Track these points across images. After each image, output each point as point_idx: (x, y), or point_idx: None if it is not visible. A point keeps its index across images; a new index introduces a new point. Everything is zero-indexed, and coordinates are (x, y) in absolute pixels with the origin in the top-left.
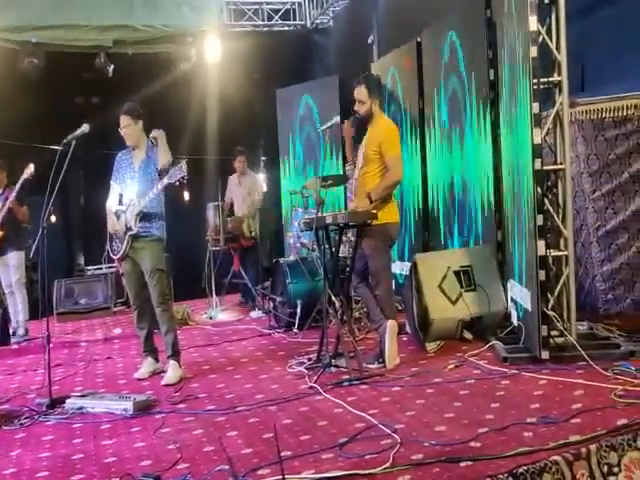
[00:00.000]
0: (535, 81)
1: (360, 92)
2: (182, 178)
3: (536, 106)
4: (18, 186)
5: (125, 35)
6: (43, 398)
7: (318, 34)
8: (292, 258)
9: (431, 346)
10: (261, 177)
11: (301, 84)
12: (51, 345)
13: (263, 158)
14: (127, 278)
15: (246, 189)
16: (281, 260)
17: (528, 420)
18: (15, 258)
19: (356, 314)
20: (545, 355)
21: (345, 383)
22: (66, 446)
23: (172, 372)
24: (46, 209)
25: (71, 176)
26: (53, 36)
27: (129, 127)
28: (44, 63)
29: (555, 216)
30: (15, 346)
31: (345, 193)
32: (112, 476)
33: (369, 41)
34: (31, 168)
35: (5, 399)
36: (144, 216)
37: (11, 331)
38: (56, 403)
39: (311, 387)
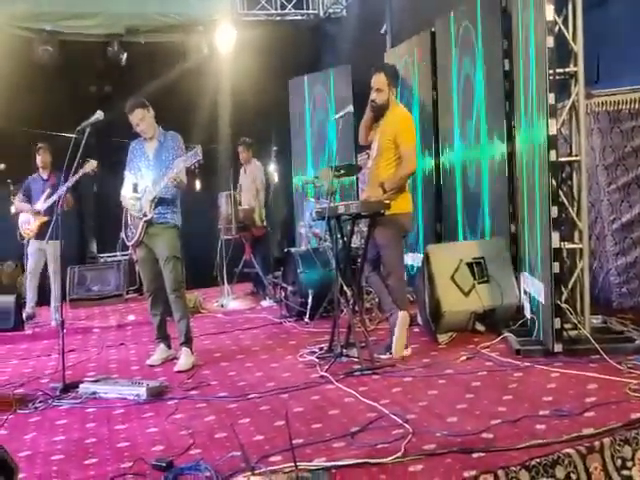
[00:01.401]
0: (551, 71)
1: (379, 80)
2: (197, 162)
3: (552, 97)
4: (75, 179)
5: (137, 24)
6: (57, 383)
7: (331, 23)
8: (303, 248)
9: (443, 338)
10: (271, 167)
11: (314, 73)
12: (65, 331)
13: (274, 148)
14: (141, 265)
15: (249, 178)
16: (292, 250)
17: (541, 413)
18: (54, 247)
19: (367, 304)
20: (558, 348)
21: (356, 373)
22: (80, 430)
23: (185, 359)
24: (64, 196)
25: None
26: (67, 24)
27: (144, 119)
28: (58, 51)
29: (570, 208)
30: (29, 331)
31: (357, 183)
32: (125, 460)
33: (382, 31)
34: (93, 164)
35: (19, 383)
36: (159, 202)
37: (24, 315)
38: (70, 388)
39: (322, 376)
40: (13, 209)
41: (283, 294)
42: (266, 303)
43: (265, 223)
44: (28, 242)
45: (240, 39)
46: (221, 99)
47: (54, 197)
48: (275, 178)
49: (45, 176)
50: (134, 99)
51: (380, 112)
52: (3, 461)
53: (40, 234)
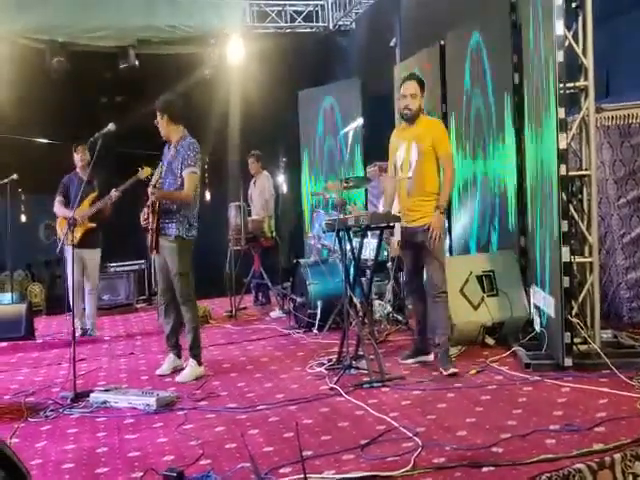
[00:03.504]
0: (561, 86)
1: (413, 87)
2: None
3: (562, 111)
4: (126, 185)
5: (149, 35)
6: (68, 392)
7: (341, 36)
8: (312, 259)
9: (452, 351)
10: (280, 179)
11: (323, 86)
12: (76, 340)
13: (283, 159)
14: (157, 272)
15: (258, 189)
16: (301, 261)
17: (551, 427)
18: (96, 257)
19: (376, 316)
20: (568, 362)
21: (366, 385)
22: (90, 439)
23: (189, 370)
24: (77, 205)
25: (100, 176)
26: (79, 36)
27: (159, 123)
28: (70, 63)
29: (580, 222)
30: (40, 340)
31: (366, 195)
32: (136, 470)
33: (392, 44)
34: (148, 171)
35: (30, 392)
36: (163, 212)
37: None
38: (80, 397)
39: (332, 388)
40: (55, 208)
41: (292, 305)
42: (275, 314)
43: (274, 234)
44: (63, 249)
45: (250, 52)
46: (231, 111)
47: (99, 204)
48: (284, 189)
49: (85, 177)
50: (157, 100)
51: (412, 119)
52: (15, 469)
53: (82, 242)
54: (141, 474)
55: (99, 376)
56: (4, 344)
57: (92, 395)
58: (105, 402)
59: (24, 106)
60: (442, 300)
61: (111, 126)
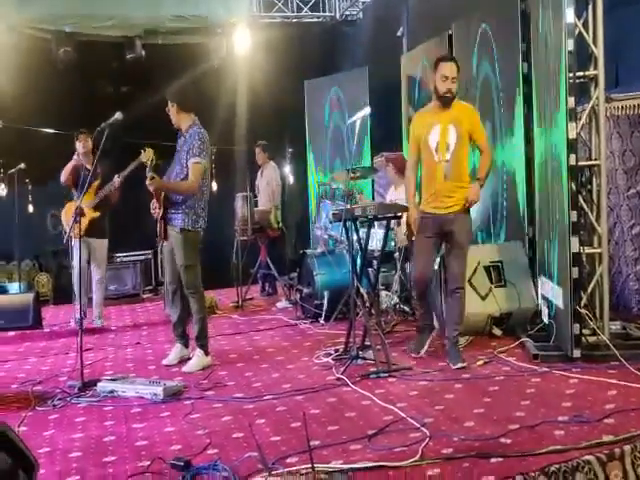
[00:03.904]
0: (571, 75)
1: (453, 69)
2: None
3: (571, 100)
4: (129, 170)
5: (155, 25)
6: (75, 381)
7: (347, 26)
8: (319, 250)
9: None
10: (286, 169)
11: (329, 76)
12: (83, 329)
13: (289, 149)
14: (165, 260)
15: (265, 180)
16: (308, 251)
17: (560, 419)
18: (104, 246)
19: (383, 307)
20: (577, 354)
21: (373, 375)
22: (98, 428)
23: (195, 360)
24: (83, 194)
25: (105, 164)
26: (85, 26)
27: (170, 111)
28: (77, 53)
29: (589, 213)
30: (47, 329)
31: (373, 185)
32: (143, 459)
33: (399, 33)
34: (150, 153)
35: (38, 381)
36: (169, 203)
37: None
38: (88, 386)
39: (338, 378)
40: (62, 177)
41: (298, 296)
42: (281, 305)
43: (281, 225)
44: (71, 240)
45: (257, 41)
46: (238, 101)
47: (103, 191)
48: (290, 180)
49: (89, 166)
50: (167, 90)
51: (450, 102)
52: (23, 456)
53: (88, 231)
54: (148, 463)
55: (106, 365)
56: (12, 333)
57: (99, 384)
58: (112, 391)
59: (31, 96)
60: (462, 295)
61: (118, 115)
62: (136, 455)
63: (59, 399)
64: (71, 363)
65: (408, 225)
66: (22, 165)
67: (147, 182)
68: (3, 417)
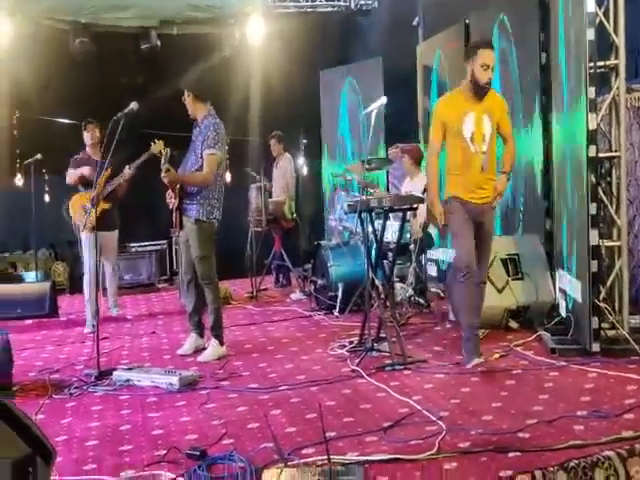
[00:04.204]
0: (591, 65)
1: (493, 57)
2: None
3: (592, 91)
4: (139, 162)
5: (171, 15)
6: (91, 369)
7: (362, 15)
8: (334, 241)
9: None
10: (300, 160)
11: (344, 66)
12: (99, 318)
13: (303, 140)
14: (182, 250)
15: (279, 171)
16: (322, 243)
17: (578, 413)
18: (114, 238)
19: (397, 299)
20: (595, 348)
21: (388, 368)
22: (114, 417)
23: (210, 350)
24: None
25: (116, 155)
26: (102, 16)
27: (186, 101)
28: (93, 43)
29: (609, 205)
30: (63, 318)
31: (387, 177)
32: (159, 448)
33: (414, 23)
34: (160, 145)
35: (55, 369)
36: (184, 194)
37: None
38: (104, 375)
39: (353, 370)
40: (68, 177)
41: (313, 287)
42: (295, 296)
43: (295, 216)
44: (79, 231)
45: (271, 31)
46: (252, 91)
47: (113, 182)
48: (304, 171)
49: (97, 157)
50: (183, 79)
51: (486, 93)
52: (41, 444)
53: (99, 224)
54: (164, 452)
55: (122, 354)
56: (29, 322)
57: (115, 373)
58: (128, 380)
59: (48, 87)
60: (484, 289)
61: (134, 105)
62: (152, 444)
63: (76, 387)
64: (87, 352)
65: (431, 215)
66: (39, 156)
67: (162, 174)
68: (21, 404)
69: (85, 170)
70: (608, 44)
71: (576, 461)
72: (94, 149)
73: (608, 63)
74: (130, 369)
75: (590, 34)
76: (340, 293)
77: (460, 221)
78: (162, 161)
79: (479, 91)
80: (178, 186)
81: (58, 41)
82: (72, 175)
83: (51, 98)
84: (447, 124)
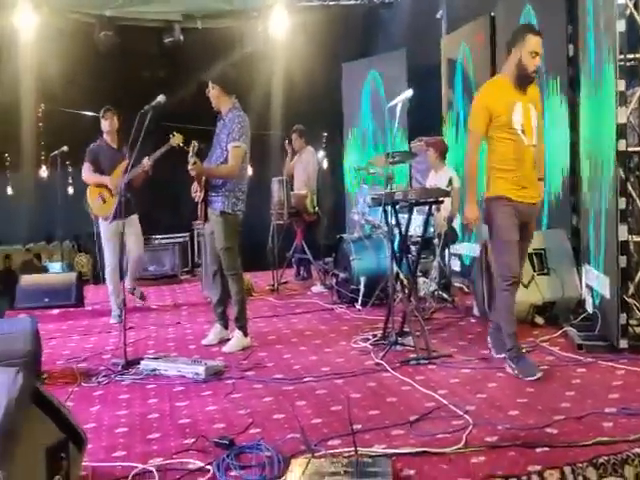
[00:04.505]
0: (621, 57)
1: (541, 44)
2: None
3: (622, 83)
4: (159, 153)
5: (194, 9)
6: (118, 359)
7: (385, 8)
8: (356, 234)
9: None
10: (320, 154)
11: (367, 58)
12: (125, 308)
13: (325, 134)
14: (206, 241)
15: (301, 164)
16: (345, 236)
17: (607, 410)
18: (135, 221)
19: (421, 294)
20: (623, 344)
21: (413, 362)
22: (142, 405)
23: (234, 341)
24: (127, 177)
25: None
26: (126, 10)
27: (212, 93)
28: (118, 37)
29: (637, 200)
30: (89, 308)
31: (410, 171)
32: (187, 436)
33: (438, 15)
34: (180, 138)
35: (82, 358)
36: (209, 186)
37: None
38: (131, 364)
39: (377, 363)
40: (84, 175)
41: (334, 280)
42: (316, 289)
43: (317, 209)
44: (98, 223)
45: (294, 24)
46: (274, 85)
47: (133, 171)
48: (325, 164)
49: (114, 145)
50: (209, 72)
51: (532, 83)
52: (73, 430)
53: (118, 213)
54: (192, 440)
55: (148, 344)
56: (55, 311)
57: (142, 362)
58: (155, 370)
59: (74, 80)
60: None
61: (161, 98)
62: (180, 432)
63: (103, 376)
64: (113, 341)
65: (467, 220)
66: (65, 148)
67: (189, 167)
68: (50, 392)
69: (105, 180)
70: (638, 36)
71: (605, 457)
72: (112, 136)
73: (638, 56)
74: (157, 358)
75: (620, 26)
76: (362, 286)
77: (509, 224)
78: (190, 154)
79: (525, 80)
80: (204, 179)
81: (83, 34)
82: (91, 178)
83: (76, 91)
84: (493, 114)
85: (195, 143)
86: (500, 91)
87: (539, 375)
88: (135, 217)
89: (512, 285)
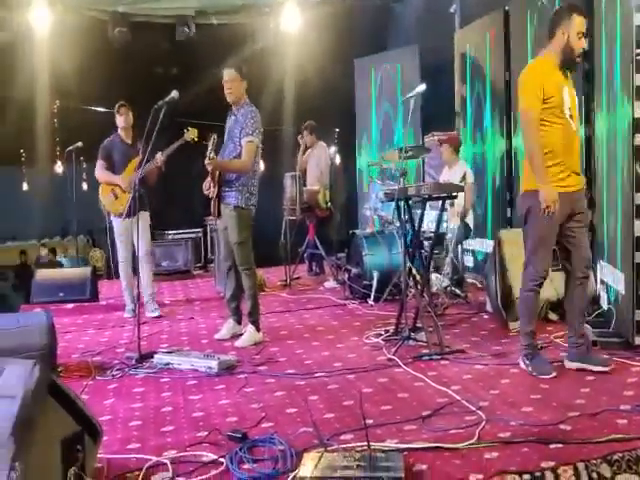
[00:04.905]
0: (638, 51)
1: (585, 24)
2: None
3: (638, 77)
4: (173, 148)
5: (206, 5)
6: (132, 352)
7: (397, 3)
8: (368, 230)
9: (514, 325)
10: (332, 149)
11: (379, 54)
12: (140, 302)
13: (336, 130)
14: (220, 237)
15: (314, 160)
16: (357, 232)
17: (622, 407)
18: (145, 219)
19: (433, 289)
20: (638, 341)
21: (425, 357)
22: (156, 399)
23: (247, 335)
24: (140, 172)
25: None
26: (139, 6)
27: (229, 81)
28: (131, 33)
29: None
30: (103, 302)
31: (423, 166)
32: (201, 429)
33: (451, 10)
34: (194, 133)
35: (97, 352)
36: (224, 181)
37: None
38: (145, 358)
39: (390, 359)
40: (97, 173)
41: (347, 276)
42: (329, 284)
43: (329, 205)
44: (111, 220)
45: (306, 20)
46: (286, 80)
47: (147, 167)
48: (337, 160)
49: (129, 140)
50: (234, 62)
51: (575, 64)
52: (89, 422)
53: (132, 210)
54: (206, 433)
55: (161, 339)
56: (70, 305)
57: (156, 356)
58: (168, 364)
59: (89, 76)
60: (589, 279)
61: (174, 94)
62: (194, 425)
63: (118, 369)
64: (127, 335)
65: (547, 205)
66: (79, 143)
67: (206, 161)
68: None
69: (117, 180)
70: None
71: (620, 454)
72: (126, 132)
73: None
74: (170, 352)
75: (638, 19)
76: (375, 282)
77: (551, 223)
78: (209, 148)
79: (571, 63)
80: (218, 174)
81: (97, 31)
82: (103, 177)
83: (90, 87)
84: (546, 95)
85: (214, 136)
86: (551, 71)
87: (554, 374)
88: (144, 213)
89: (539, 286)
